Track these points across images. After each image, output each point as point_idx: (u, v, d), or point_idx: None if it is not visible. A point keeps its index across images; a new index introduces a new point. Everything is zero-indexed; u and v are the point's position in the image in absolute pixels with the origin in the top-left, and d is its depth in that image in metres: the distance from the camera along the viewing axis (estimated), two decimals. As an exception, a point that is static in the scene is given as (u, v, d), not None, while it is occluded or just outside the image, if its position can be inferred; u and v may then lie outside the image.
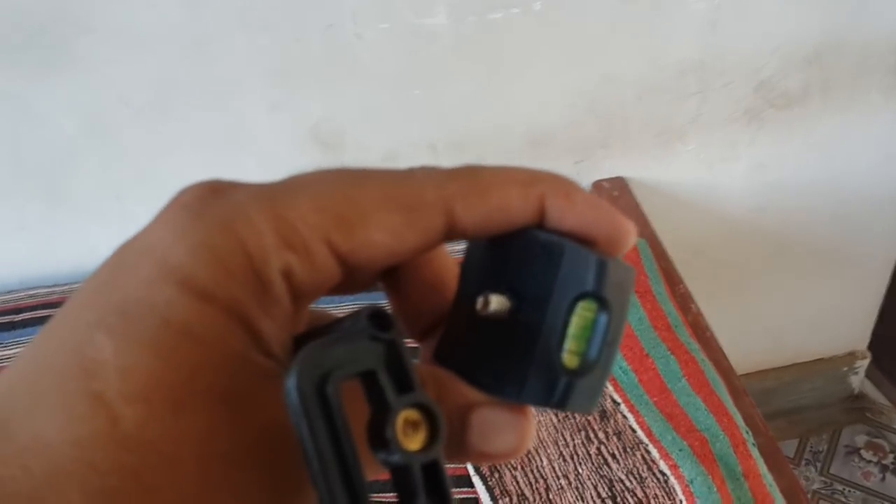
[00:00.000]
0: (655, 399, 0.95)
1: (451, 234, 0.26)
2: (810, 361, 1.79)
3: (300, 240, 0.24)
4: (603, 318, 0.26)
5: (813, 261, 1.58)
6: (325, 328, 0.25)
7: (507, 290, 0.27)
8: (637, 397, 0.96)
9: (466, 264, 0.29)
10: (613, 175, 1.37)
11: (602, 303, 0.26)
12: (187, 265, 0.23)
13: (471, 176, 0.26)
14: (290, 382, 0.21)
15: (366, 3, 1.09)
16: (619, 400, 0.95)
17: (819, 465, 1.76)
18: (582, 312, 0.26)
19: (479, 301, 0.27)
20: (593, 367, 0.26)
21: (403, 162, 1.08)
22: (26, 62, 1.06)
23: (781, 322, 1.69)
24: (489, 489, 0.90)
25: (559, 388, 0.26)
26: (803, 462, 1.77)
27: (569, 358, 0.26)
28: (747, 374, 1.72)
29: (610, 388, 0.97)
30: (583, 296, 0.26)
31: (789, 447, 1.79)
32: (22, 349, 0.25)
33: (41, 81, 1.07)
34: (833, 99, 1.35)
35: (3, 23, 1.02)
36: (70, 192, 1.20)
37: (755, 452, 0.89)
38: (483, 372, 0.28)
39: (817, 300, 1.67)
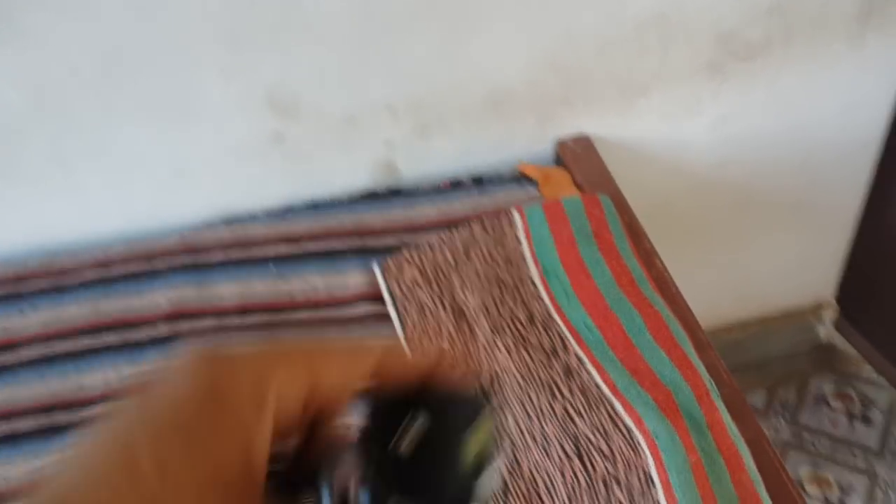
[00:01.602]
0: (620, 355, 0.95)
1: None
2: (777, 313, 1.80)
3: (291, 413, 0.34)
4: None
5: (778, 212, 1.58)
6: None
7: None
8: (602, 354, 0.95)
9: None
10: (577, 132, 1.35)
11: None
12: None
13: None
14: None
15: (316, -38, 1.07)
16: (583, 357, 0.95)
17: (788, 415, 1.78)
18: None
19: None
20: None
21: (363, 124, 1.06)
22: (-34, 34, 1.03)
23: (747, 275, 1.69)
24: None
25: None
26: (772, 412, 1.78)
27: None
28: (714, 328, 1.73)
29: (574, 345, 0.96)
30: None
31: (758, 399, 1.81)
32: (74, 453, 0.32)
33: (-17, 53, 1.05)
34: (795, 49, 1.35)
35: (-60, -8, 0.99)
36: (18, 167, 1.17)
37: (719, 403, 0.89)
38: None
39: (783, 251, 1.67)
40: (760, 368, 1.81)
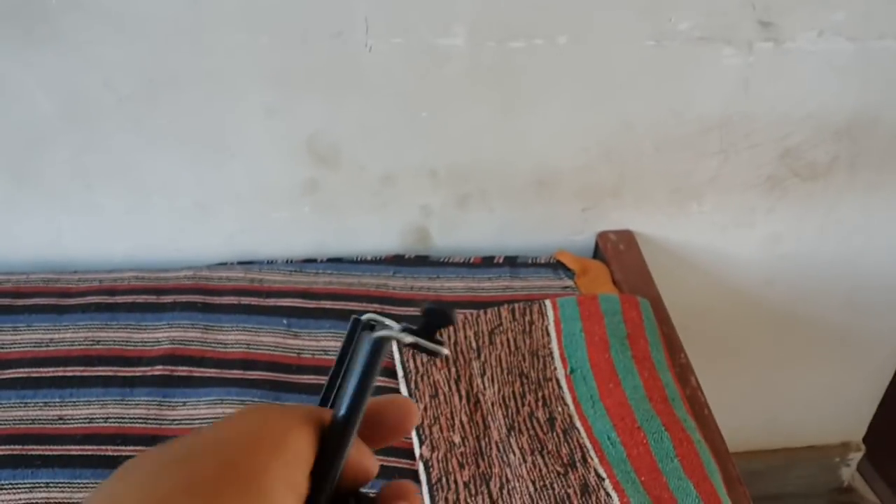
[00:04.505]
0: (644, 478, 0.86)
1: None
2: (802, 447, 1.70)
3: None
4: None
5: (817, 342, 1.50)
6: None
7: None
8: (624, 473, 0.87)
9: None
10: (621, 227, 1.29)
11: None
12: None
13: None
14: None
15: (380, 14, 1.02)
16: (604, 475, 0.87)
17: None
18: None
19: None
20: None
21: (400, 186, 0.99)
22: (5, 33, 0.98)
23: (777, 402, 1.60)
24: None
25: None
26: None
27: None
28: (734, 452, 1.63)
29: (595, 459, 0.88)
30: None
31: (771, 534, 1.70)
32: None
33: (19, 54, 0.99)
34: (860, 176, 1.28)
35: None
36: (38, 176, 1.11)
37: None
38: None
39: (817, 384, 1.58)
40: (777, 502, 1.71)
